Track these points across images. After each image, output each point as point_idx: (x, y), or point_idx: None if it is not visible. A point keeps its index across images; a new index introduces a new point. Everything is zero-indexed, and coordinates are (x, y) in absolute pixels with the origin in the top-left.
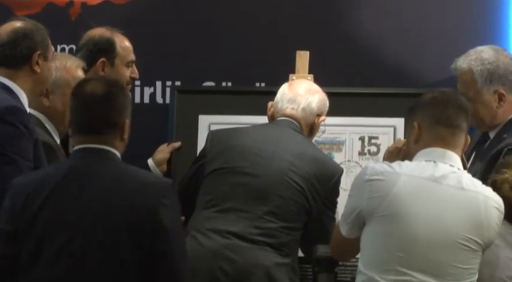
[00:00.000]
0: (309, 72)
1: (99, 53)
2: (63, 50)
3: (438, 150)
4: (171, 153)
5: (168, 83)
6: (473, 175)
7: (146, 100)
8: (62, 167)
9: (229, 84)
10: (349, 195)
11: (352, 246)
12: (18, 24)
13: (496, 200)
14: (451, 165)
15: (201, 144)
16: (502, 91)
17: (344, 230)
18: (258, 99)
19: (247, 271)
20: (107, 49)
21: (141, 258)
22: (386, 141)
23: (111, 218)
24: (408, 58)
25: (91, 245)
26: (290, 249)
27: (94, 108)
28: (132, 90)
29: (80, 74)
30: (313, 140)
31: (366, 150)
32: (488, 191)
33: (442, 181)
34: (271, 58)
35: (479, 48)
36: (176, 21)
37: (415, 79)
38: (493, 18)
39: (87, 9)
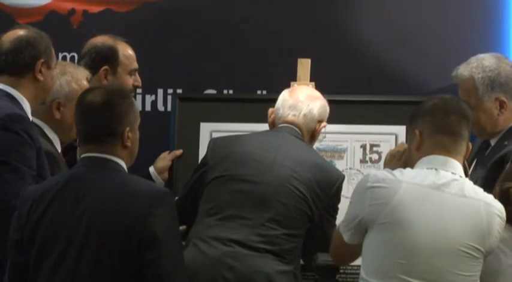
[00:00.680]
0: (310, 80)
1: (101, 61)
2: (64, 58)
3: (440, 158)
4: (173, 161)
5: (170, 91)
6: (474, 182)
7: (148, 108)
8: (65, 175)
9: (231, 91)
10: (350, 202)
11: (353, 252)
12: (21, 32)
13: (497, 207)
14: (452, 173)
15: (202, 151)
16: (503, 98)
17: (346, 236)
18: (260, 106)
19: (249, 279)
20: (109, 57)
21: (131, 266)
22: (387, 149)
23: (103, 226)
24: (409, 66)
25: (84, 253)
26: (292, 256)
27: (92, 116)
28: (134, 98)
29: (86, 84)
30: (314, 147)
31: (367, 158)
32: (489, 198)
33: (444, 189)
34: (272, 66)
35: (481, 55)
36: (177, 29)
37: (417, 87)
38: (495, 26)
39: (89, 17)
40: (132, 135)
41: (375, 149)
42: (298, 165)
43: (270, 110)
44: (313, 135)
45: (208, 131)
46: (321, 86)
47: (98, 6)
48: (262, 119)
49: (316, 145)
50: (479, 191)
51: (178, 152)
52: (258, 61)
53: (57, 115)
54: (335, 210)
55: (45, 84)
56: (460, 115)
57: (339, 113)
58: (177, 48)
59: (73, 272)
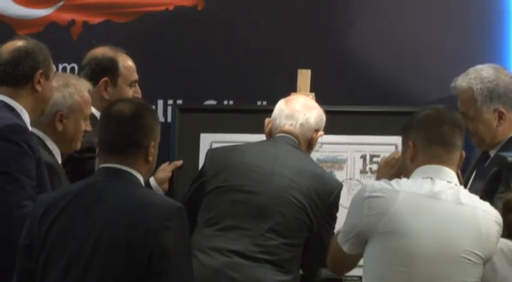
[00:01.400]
0: (311, 91)
1: (102, 72)
2: (64, 69)
3: (434, 167)
4: (173, 171)
5: (170, 102)
6: (474, 193)
7: None
8: (81, 184)
9: (231, 102)
10: (348, 213)
11: (351, 262)
12: (20, 43)
13: (494, 214)
14: (448, 182)
15: (202, 162)
16: (502, 109)
17: (346, 247)
18: (260, 117)
19: None
20: (109, 69)
21: (140, 277)
22: None
23: (114, 236)
24: (409, 77)
25: (93, 262)
26: (291, 266)
27: (119, 127)
28: None
29: (87, 96)
30: (314, 158)
31: (367, 169)
32: (486, 205)
33: (440, 197)
34: (272, 76)
35: (479, 66)
36: (177, 40)
37: (416, 97)
38: (494, 37)
39: (89, 28)
40: (154, 151)
41: (375, 159)
42: (297, 175)
43: (267, 120)
44: (310, 144)
45: (209, 141)
46: (321, 97)
47: (97, 18)
48: (263, 129)
49: (316, 155)
50: (475, 198)
51: (179, 162)
52: (258, 72)
53: (60, 127)
54: (333, 219)
55: (44, 95)
56: (453, 125)
57: (339, 124)
58: (177, 59)
59: (81, 280)
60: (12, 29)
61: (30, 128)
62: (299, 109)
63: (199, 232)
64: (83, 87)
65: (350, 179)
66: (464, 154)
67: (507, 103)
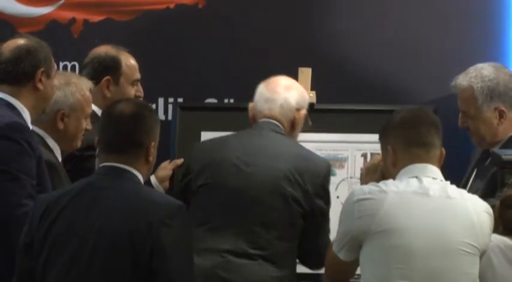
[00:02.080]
0: (311, 89)
1: (104, 71)
2: (65, 67)
3: (418, 166)
4: (174, 170)
5: (171, 100)
6: (475, 193)
7: None
8: (81, 183)
9: (232, 100)
10: (340, 220)
11: (349, 269)
12: (21, 41)
13: (483, 205)
14: (433, 178)
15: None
16: (503, 108)
17: (341, 254)
18: None
19: None
20: (112, 67)
21: (140, 275)
22: None
23: (114, 234)
24: (409, 75)
25: (94, 260)
26: (286, 260)
27: (120, 126)
28: None
29: (89, 94)
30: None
31: None
32: (474, 198)
33: (429, 192)
34: (273, 75)
35: (479, 65)
36: (178, 38)
37: (416, 96)
38: (494, 36)
39: (90, 26)
40: (154, 151)
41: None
42: (282, 162)
43: (250, 104)
44: (293, 124)
45: None
46: (322, 95)
47: (98, 16)
48: None
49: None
50: (463, 192)
51: (179, 161)
52: (258, 70)
53: (61, 126)
54: (326, 201)
55: (45, 93)
56: (429, 124)
57: (340, 122)
58: (177, 57)
59: (82, 278)
60: (13, 27)
61: (31, 126)
62: (278, 90)
63: None
64: (84, 85)
65: (351, 177)
66: (444, 151)
67: (507, 102)
